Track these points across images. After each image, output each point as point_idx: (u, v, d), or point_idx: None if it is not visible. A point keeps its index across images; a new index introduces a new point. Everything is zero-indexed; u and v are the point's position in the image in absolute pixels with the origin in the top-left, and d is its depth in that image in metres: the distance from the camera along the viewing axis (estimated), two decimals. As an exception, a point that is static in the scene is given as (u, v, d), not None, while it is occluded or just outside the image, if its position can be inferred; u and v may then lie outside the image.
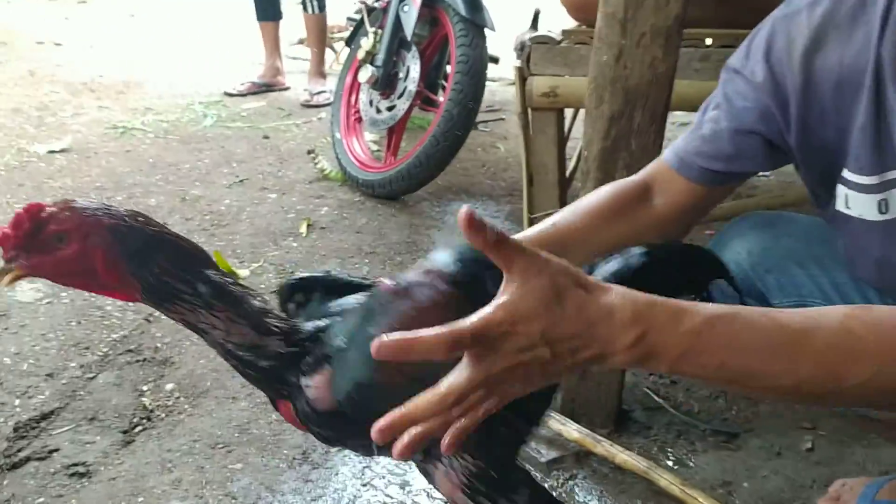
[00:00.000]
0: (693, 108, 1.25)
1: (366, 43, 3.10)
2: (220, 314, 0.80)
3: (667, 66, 1.43)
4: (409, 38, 3.00)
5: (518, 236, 1.04)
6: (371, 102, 3.15)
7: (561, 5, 2.02)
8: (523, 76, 1.89)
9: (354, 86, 3.29)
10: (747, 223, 1.26)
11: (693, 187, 1.10)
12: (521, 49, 1.86)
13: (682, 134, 1.14)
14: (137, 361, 1.90)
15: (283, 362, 0.84)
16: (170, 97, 4.43)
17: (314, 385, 0.84)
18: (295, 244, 2.65)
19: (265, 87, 4.63)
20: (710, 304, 0.71)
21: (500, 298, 0.65)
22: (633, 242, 1.00)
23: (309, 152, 3.31)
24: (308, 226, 2.77)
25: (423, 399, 0.66)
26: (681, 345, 0.67)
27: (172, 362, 1.90)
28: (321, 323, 0.88)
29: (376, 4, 3.18)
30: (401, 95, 3.04)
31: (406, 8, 2.97)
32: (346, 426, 0.85)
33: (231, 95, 4.49)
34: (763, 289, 1.19)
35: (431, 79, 3.29)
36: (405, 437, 0.65)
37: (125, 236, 0.77)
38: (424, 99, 3.14)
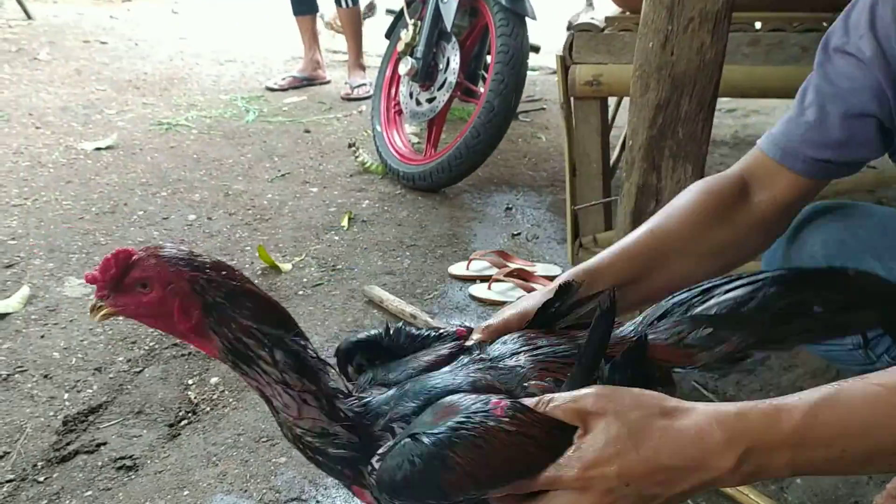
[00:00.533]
0: (742, 94, 1.21)
1: (405, 35, 3.08)
2: (293, 392, 0.79)
3: (715, 52, 1.39)
4: (448, 29, 2.97)
5: (617, 246, 0.99)
6: (411, 94, 3.14)
7: (604, -8, 1.98)
8: (566, 65, 1.86)
9: (394, 78, 3.28)
10: (822, 214, 1.17)
11: (798, 181, 1.01)
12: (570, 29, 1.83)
13: (778, 122, 1.05)
14: (182, 356, 1.91)
15: (354, 450, 0.80)
16: (212, 93, 4.47)
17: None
18: (336, 237, 2.65)
19: (306, 82, 4.65)
20: (802, 391, 0.66)
21: (572, 449, 0.69)
22: (736, 247, 0.95)
23: (350, 145, 3.31)
24: (349, 219, 2.77)
25: None
26: (788, 449, 0.63)
27: (217, 356, 1.92)
28: (389, 396, 0.82)
29: (416, -5, 3.16)
30: (441, 87, 3.02)
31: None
32: None
33: (272, 90, 4.52)
34: None
35: (472, 70, 3.27)
36: None
37: (203, 289, 0.77)
38: (465, 90, 3.12)
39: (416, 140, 3.46)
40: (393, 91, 3.30)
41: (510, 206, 2.95)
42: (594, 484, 0.66)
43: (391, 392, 0.82)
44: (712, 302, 0.82)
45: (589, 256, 2.13)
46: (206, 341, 0.79)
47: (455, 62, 2.97)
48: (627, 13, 1.90)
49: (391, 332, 0.92)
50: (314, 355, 0.82)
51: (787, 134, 1.01)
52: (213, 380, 1.82)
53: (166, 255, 0.79)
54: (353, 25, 4.49)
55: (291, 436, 0.81)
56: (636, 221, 1.54)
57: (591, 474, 0.66)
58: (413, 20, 3.09)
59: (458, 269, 2.40)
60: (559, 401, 0.71)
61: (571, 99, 1.89)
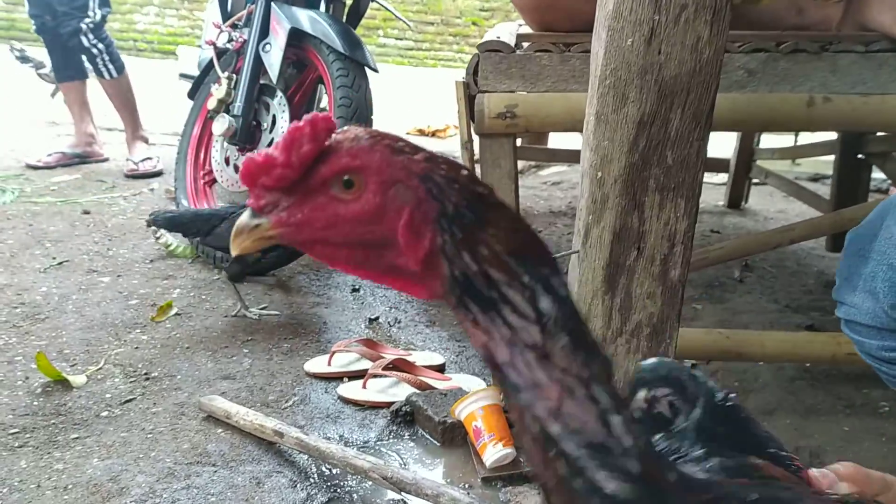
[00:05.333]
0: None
1: (217, 91, 2.58)
2: (552, 367, 0.45)
3: (714, 50, 1.08)
4: (274, 83, 2.52)
5: None
6: (227, 160, 2.61)
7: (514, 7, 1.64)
8: (470, 93, 1.48)
9: (203, 142, 2.75)
10: None
11: None
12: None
13: None
14: None
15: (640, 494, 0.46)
16: (-47, 173, 3.60)
17: None
18: (144, 337, 2.03)
19: (77, 159, 3.91)
20: None
21: None
22: None
23: (148, 224, 2.67)
24: (162, 310, 2.15)
25: None
26: None
27: None
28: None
29: (228, 46, 2.67)
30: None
31: (268, 48, 2.50)
32: None
33: (35, 168, 3.73)
34: None
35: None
36: None
37: (442, 192, 0.48)
38: (295, 153, 2.64)
39: (227, 219, 2.91)
40: (202, 158, 2.75)
41: (356, 286, 2.48)
42: None
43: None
44: None
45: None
46: (427, 276, 0.49)
47: (283, 119, 2.50)
48: (542, 31, 1.57)
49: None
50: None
51: None
52: None
53: (376, 134, 0.49)
54: (122, 96, 3.83)
55: (536, 433, 0.46)
56: (612, 278, 1.17)
57: None
58: (226, 73, 2.60)
59: (318, 365, 1.88)
60: None
61: (475, 138, 1.51)
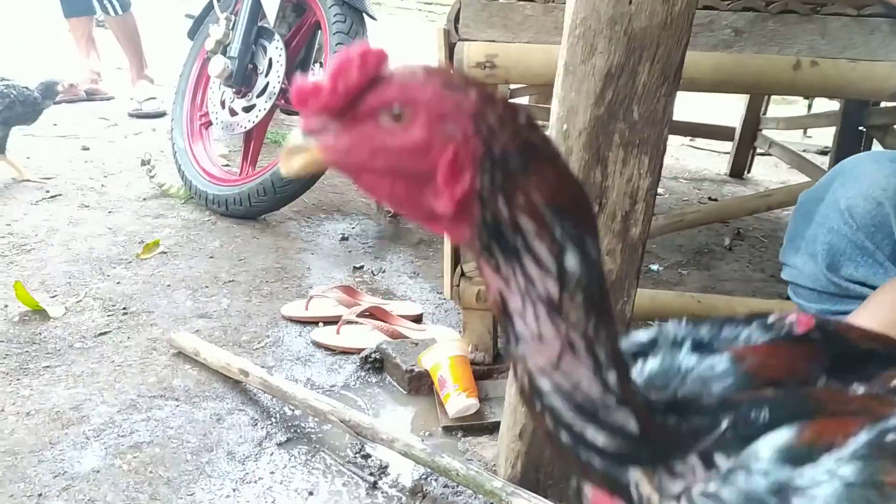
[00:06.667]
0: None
1: (215, 31, 2.55)
2: (560, 323, 0.46)
3: (687, 2, 1.05)
4: (272, 26, 2.49)
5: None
6: (223, 103, 2.59)
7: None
8: (450, 41, 1.45)
9: (201, 83, 2.73)
10: (885, 156, 0.99)
11: None
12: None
13: None
14: None
15: (632, 448, 0.48)
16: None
17: None
18: (128, 273, 2.04)
19: (83, 96, 3.90)
20: None
21: None
22: None
23: (143, 163, 2.68)
24: (148, 248, 2.16)
25: None
26: None
27: None
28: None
29: (228, -15, 2.64)
30: (261, 93, 2.51)
31: (267, -12, 2.47)
32: None
33: (39, 102, 3.72)
34: None
35: (297, 76, 2.77)
36: None
37: (492, 134, 0.47)
38: (290, 98, 2.62)
39: (224, 163, 2.90)
40: (199, 99, 2.73)
41: (346, 235, 2.48)
42: None
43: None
44: None
45: (472, 288, 1.73)
46: (460, 216, 0.49)
47: (280, 64, 2.48)
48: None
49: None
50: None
51: None
52: None
53: (433, 71, 0.49)
54: (127, 34, 3.79)
55: (529, 391, 0.49)
56: (571, 233, 1.15)
57: None
58: (225, 14, 2.57)
59: (295, 309, 1.89)
60: None
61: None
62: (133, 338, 1.70)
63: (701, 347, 0.56)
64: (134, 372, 1.55)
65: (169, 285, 1.99)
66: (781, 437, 0.45)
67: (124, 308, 1.84)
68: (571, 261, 0.47)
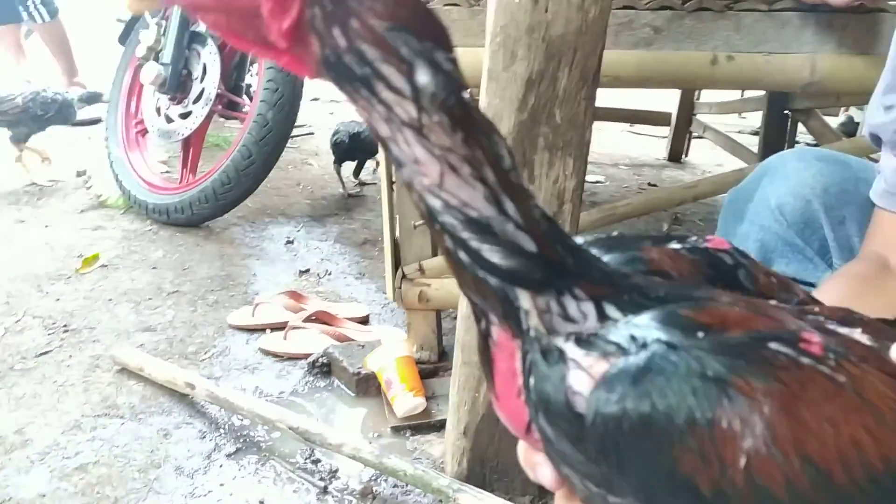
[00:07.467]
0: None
1: (146, 37, 2.52)
2: (430, 144, 0.43)
3: (600, 9, 1.08)
4: (204, 30, 2.47)
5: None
6: (159, 110, 2.57)
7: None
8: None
9: (134, 90, 2.69)
10: (810, 153, 1.01)
11: None
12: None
13: (878, 177, 0.89)
14: None
15: (532, 268, 0.46)
16: None
17: (589, 368, 0.44)
18: (68, 288, 2.01)
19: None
20: None
21: None
22: None
23: (79, 174, 2.64)
24: (88, 262, 2.14)
25: None
26: None
27: None
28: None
29: (158, -9, 2.60)
30: (197, 100, 2.49)
31: (197, -7, 2.44)
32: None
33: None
34: (832, 237, 0.98)
35: (233, 81, 2.74)
36: None
37: None
38: (228, 103, 2.60)
39: (164, 170, 2.87)
40: (134, 106, 2.70)
41: (291, 238, 2.48)
42: None
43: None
44: None
45: (414, 289, 1.75)
46: (300, 50, 0.46)
47: (214, 70, 2.46)
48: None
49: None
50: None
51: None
52: None
53: None
54: (56, 41, 3.72)
55: (426, 209, 0.47)
56: (503, 235, 1.18)
57: None
58: (156, 19, 2.54)
59: (241, 317, 1.89)
60: None
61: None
62: (75, 356, 1.68)
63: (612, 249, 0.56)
64: (77, 391, 1.54)
65: (111, 299, 1.97)
66: (677, 308, 0.45)
67: (65, 325, 1.82)
68: (423, 77, 0.44)
